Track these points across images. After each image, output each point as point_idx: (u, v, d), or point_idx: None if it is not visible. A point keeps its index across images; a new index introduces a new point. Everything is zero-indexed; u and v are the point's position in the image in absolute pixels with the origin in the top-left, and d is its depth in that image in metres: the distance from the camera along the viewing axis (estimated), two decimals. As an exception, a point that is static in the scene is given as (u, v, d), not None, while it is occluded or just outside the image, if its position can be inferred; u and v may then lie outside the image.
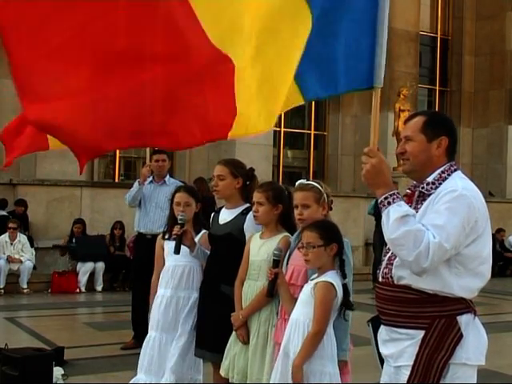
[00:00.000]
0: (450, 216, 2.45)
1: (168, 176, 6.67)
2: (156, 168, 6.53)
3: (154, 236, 6.22)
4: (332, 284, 3.14)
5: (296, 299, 3.29)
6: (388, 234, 2.49)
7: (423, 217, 2.53)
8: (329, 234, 3.19)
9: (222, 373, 3.75)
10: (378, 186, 2.55)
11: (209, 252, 4.17)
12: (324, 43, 3.12)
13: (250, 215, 3.88)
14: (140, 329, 6.43)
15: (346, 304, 3.19)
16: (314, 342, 3.12)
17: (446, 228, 2.43)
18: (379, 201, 2.53)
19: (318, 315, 3.11)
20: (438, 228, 2.44)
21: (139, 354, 4.48)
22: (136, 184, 6.50)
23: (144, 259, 6.37)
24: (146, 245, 6.26)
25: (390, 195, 2.51)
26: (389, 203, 2.50)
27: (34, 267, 10.97)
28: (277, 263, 3.40)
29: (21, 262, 10.61)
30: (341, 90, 3.32)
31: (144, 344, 4.41)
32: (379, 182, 2.55)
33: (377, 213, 11.49)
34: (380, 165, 2.55)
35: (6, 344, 5.13)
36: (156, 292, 4.43)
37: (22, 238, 10.87)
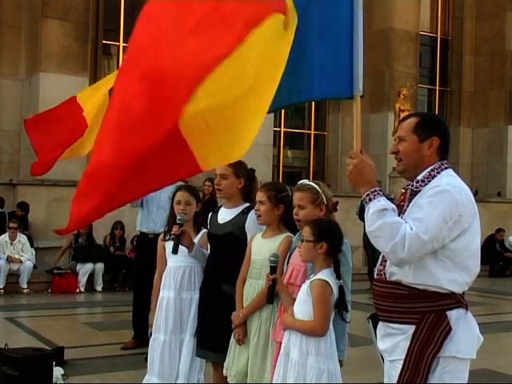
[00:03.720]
0: (430, 209, 2.54)
1: None
2: None
3: (157, 236, 6.25)
4: (326, 281, 3.15)
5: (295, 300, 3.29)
6: (367, 226, 2.60)
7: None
8: (321, 232, 3.19)
9: (224, 371, 3.75)
10: (361, 184, 2.68)
11: (208, 252, 4.17)
12: (299, 53, 3.13)
13: (251, 214, 3.88)
14: (140, 328, 6.44)
15: (342, 305, 3.18)
16: (309, 330, 3.13)
17: (424, 220, 2.52)
18: (362, 198, 2.65)
19: (318, 312, 3.12)
20: (416, 221, 2.53)
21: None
22: None
23: (146, 259, 6.40)
24: (149, 245, 6.29)
25: (372, 192, 2.63)
26: (370, 200, 2.62)
27: (35, 267, 10.98)
28: (274, 269, 3.40)
29: (21, 261, 10.61)
30: (315, 96, 3.37)
31: (151, 347, 4.37)
32: (362, 182, 2.68)
33: (361, 214, 11.53)
34: (361, 164, 2.69)
35: (6, 344, 5.13)
36: (158, 292, 4.43)
37: (22, 237, 10.87)
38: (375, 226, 2.55)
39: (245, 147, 3.10)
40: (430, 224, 2.51)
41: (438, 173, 2.68)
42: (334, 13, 3.07)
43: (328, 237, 3.20)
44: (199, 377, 4.37)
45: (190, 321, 4.25)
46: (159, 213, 6.43)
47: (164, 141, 3.00)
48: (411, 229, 2.50)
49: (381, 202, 2.58)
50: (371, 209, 2.58)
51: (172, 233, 4.09)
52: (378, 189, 2.64)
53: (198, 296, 4.25)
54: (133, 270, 7.76)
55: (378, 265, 2.75)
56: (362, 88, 3.06)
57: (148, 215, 6.53)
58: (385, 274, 2.68)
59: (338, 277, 3.20)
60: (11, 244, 10.75)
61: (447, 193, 2.56)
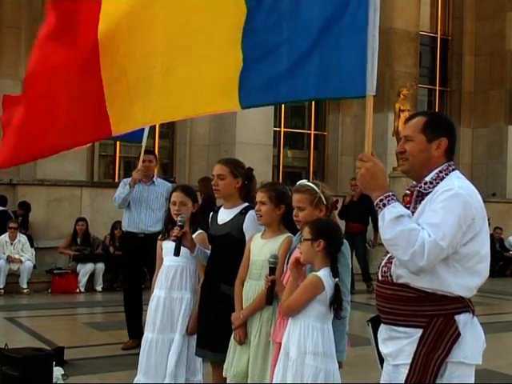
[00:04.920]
0: (445, 214, 2.47)
1: (156, 176, 6.78)
2: (143, 168, 6.63)
3: (147, 235, 6.31)
4: (319, 278, 3.15)
5: None
6: (383, 235, 2.52)
7: (421, 216, 2.56)
8: (318, 230, 3.21)
9: (224, 373, 3.75)
10: (373, 189, 2.58)
11: (209, 252, 4.17)
12: (313, 49, 3.13)
13: (249, 215, 3.88)
14: (134, 328, 6.47)
15: (336, 302, 3.18)
16: (282, 302, 3.26)
17: (441, 226, 2.46)
18: (375, 203, 2.56)
19: (293, 298, 3.18)
20: (433, 227, 2.46)
21: (137, 353, 4.49)
22: (127, 187, 6.54)
23: (135, 258, 6.45)
24: (138, 244, 6.34)
25: (385, 197, 2.54)
26: (384, 205, 2.53)
27: (34, 267, 10.97)
28: (273, 270, 3.40)
29: (21, 261, 10.61)
30: (326, 95, 3.38)
31: (142, 346, 4.40)
32: (374, 186, 2.58)
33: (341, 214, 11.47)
34: (374, 168, 2.59)
35: (6, 344, 5.13)
36: None
37: (22, 237, 10.87)
38: (392, 234, 2.47)
39: (158, 116, 3.48)
40: (447, 230, 2.45)
41: (447, 174, 2.63)
42: (349, 9, 3.04)
43: (325, 234, 3.20)
44: (197, 377, 4.38)
45: (180, 320, 4.25)
46: (148, 213, 6.52)
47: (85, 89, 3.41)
48: (429, 236, 2.44)
49: (396, 209, 2.50)
50: (387, 216, 2.49)
51: (173, 234, 4.08)
52: (391, 193, 2.55)
53: (189, 296, 4.28)
54: (122, 270, 7.77)
55: (381, 266, 2.70)
56: (377, 87, 2.99)
57: (137, 215, 6.58)
58: (390, 275, 2.63)
59: (336, 275, 3.19)
60: (11, 244, 10.74)
61: (461, 196, 2.51)
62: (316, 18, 3.12)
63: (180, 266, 4.32)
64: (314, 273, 3.19)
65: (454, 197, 2.51)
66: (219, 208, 4.13)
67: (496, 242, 15.46)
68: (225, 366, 3.75)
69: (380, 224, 2.53)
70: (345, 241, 3.32)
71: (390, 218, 2.48)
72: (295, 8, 3.17)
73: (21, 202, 11.62)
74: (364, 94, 2.98)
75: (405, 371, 2.55)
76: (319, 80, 3.13)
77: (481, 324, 2.67)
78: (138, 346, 6.20)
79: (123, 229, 6.85)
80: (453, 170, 2.66)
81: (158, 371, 4.25)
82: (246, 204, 3.99)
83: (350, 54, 3.03)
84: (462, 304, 2.56)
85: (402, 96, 15.15)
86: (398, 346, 2.60)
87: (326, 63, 3.10)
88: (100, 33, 3.41)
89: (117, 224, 11.57)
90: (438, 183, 2.61)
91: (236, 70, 3.19)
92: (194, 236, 4.27)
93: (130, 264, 6.72)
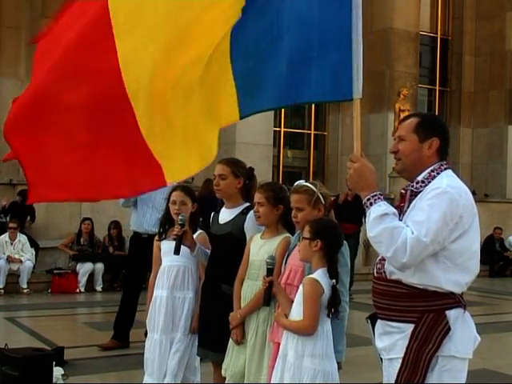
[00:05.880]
0: (430, 212, 2.54)
1: None
2: None
3: (150, 236, 6.31)
4: (317, 280, 3.14)
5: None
6: (368, 232, 2.61)
7: (409, 214, 2.63)
8: (317, 230, 3.20)
9: (223, 372, 3.75)
10: (361, 189, 2.69)
11: (209, 252, 4.16)
12: (297, 54, 3.18)
13: (250, 214, 3.88)
14: (121, 329, 6.47)
15: (333, 304, 3.16)
16: (297, 329, 3.14)
17: (425, 223, 2.52)
18: (363, 203, 2.65)
19: (305, 311, 3.13)
20: (417, 224, 2.54)
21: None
22: None
23: (139, 258, 6.45)
24: (143, 244, 6.35)
25: (372, 196, 2.63)
26: (370, 204, 2.62)
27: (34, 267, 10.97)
28: (270, 271, 3.39)
29: (21, 261, 10.61)
30: (315, 98, 3.41)
31: (145, 347, 4.38)
32: (362, 186, 2.68)
33: None
34: (362, 169, 2.69)
35: (6, 344, 5.13)
36: (152, 293, 4.43)
37: (22, 237, 10.87)
38: (376, 231, 2.56)
39: (207, 157, 3.30)
40: (431, 226, 2.51)
41: (438, 173, 2.69)
42: (333, 14, 3.08)
43: (323, 235, 3.19)
44: (198, 377, 4.37)
45: (183, 320, 4.25)
46: (153, 213, 6.50)
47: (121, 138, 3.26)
48: (412, 233, 2.51)
49: (381, 207, 2.59)
50: (372, 214, 2.59)
51: (174, 233, 4.08)
52: (378, 193, 2.64)
53: (191, 295, 4.28)
54: (125, 268, 7.78)
55: (376, 263, 2.77)
56: (362, 90, 3.05)
57: (142, 215, 6.58)
58: (384, 272, 2.69)
59: (334, 276, 3.17)
60: (11, 244, 10.74)
61: (448, 194, 2.56)
62: (301, 25, 3.17)
63: (182, 265, 4.31)
64: (310, 276, 3.17)
65: (441, 194, 2.57)
66: (221, 208, 4.13)
67: (496, 241, 15.45)
68: (224, 366, 3.75)
69: (367, 222, 2.62)
70: (344, 241, 3.31)
71: (375, 216, 2.57)
72: (279, 15, 3.22)
73: (21, 190, 11.49)
74: (351, 97, 3.02)
75: (397, 365, 2.61)
76: (307, 85, 3.19)
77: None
78: (118, 347, 6.28)
79: (130, 228, 6.86)
80: (445, 169, 2.72)
81: (161, 371, 4.25)
82: (248, 204, 3.99)
83: (335, 58, 3.07)
84: (453, 300, 2.62)
85: (401, 96, 15.18)
86: (392, 340, 2.66)
87: (313, 68, 3.16)
88: (127, 84, 3.23)
89: (111, 224, 11.59)
90: (430, 182, 2.67)
91: (231, 85, 3.26)
92: (194, 236, 4.26)
93: (132, 263, 6.73)
